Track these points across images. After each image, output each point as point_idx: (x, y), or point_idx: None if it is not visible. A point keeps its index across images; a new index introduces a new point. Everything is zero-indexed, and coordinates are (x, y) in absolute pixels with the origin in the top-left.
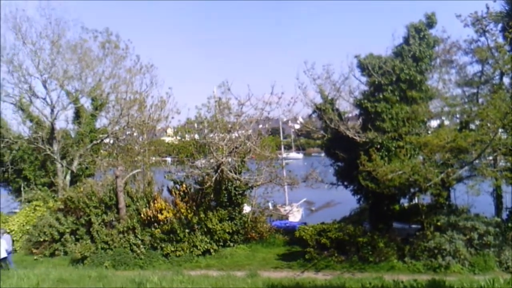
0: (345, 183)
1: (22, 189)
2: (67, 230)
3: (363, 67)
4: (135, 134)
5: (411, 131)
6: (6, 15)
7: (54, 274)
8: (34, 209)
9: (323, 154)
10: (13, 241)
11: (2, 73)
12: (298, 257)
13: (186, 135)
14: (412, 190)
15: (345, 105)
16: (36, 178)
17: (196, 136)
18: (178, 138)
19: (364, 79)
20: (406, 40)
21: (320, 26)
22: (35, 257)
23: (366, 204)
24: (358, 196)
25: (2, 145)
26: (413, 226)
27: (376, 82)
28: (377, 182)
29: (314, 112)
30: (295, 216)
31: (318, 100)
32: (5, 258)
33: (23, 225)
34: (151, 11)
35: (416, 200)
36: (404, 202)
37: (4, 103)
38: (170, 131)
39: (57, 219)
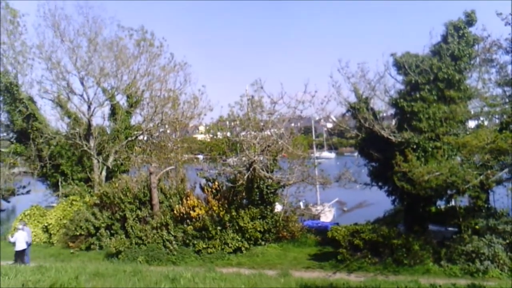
0: (379, 183)
1: (59, 183)
2: (103, 225)
3: (399, 65)
4: (168, 131)
5: (448, 132)
6: (45, 13)
7: (91, 268)
8: (71, 204)
9: (356, 154)
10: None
11: (41, 70)
12: (330, 258)
13: (219, 133)
14: (449, 192)
15: (380, 104)
16: (73, 173)
17: (228, 134)
18: (211, 135)
19: (400, 77)
20: (445, 39)
21: (355, 24)
22: (72, 251)
23: (401, 205)
24: (393, 197)
25: (41, 140)
26: (450, 229)
27: (413, 81)
28: (413, 183)
29: (348, 111)
30: (327, 216)
31: (352, 99)
32: (24, 250)
33: (60, 219)
34: (186, 9)
35: (453, 202)
36: (441, 204)
37: (43, 99)
38: (202, 128)
39: (93, 213)
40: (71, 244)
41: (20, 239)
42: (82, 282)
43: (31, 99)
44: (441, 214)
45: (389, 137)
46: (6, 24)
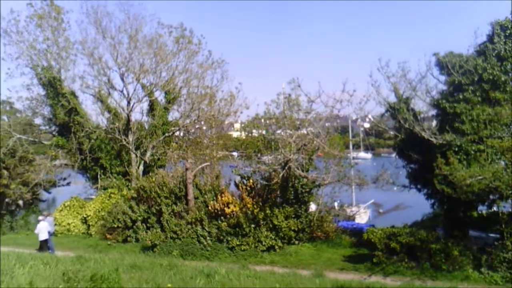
0: (418, 186)
1: (98, 176)
2: (139, 218)
3: (442, 65)
4: (204, 128)
5: (493, 135)
6: (88, 10)
7: (128, 260)
8: (109, 196)
9: (393, 155)
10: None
11: (84, 65)
12: (365, 260)
13: (254, 131)
14: (492, 197)
15: (421, 105)
16: (112, 167)
17: (264, 132)
18: (246, 133)
19: (442, 78)
20: (490, 38)
21: (396, 23)
22: (109, 242)
23: (440, 209)
24: (432, 201)
25: (81, 134)
26: (491, 235)
27: (456, 82)
28: (454, 187)
29: (387, 111)
30: (362, 217)
31: (392, 98)
32: (46, 240)
33: (99, 211)
34: (225, 6)
35: (496, 208)
36: (482, 209)
37: (84, 94)
38: (237, 125)
39: (130, 207)
40: (108, 236)
41: (43, 229)
42: (121, 274)
43: (73, 93)
44: (482, 220)
45: (430, 138)
46: (50, 20)
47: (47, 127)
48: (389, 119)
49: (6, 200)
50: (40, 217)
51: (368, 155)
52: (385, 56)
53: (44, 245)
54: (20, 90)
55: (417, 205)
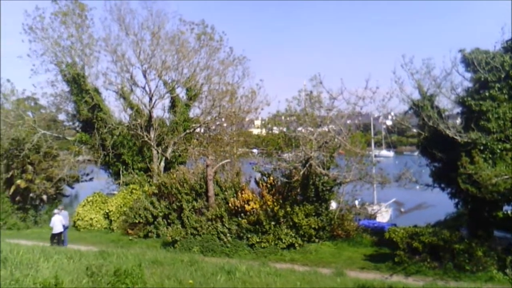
0: (442, 185)
1: (121, 172)
2: (160, 214)
3: (467, 62)
4: (224, 124)
5: None
6: (111, 8)
7: (149, 255)
8: (131, 192)
9: (416, 153)
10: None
11: (107, 62)
12: (386, 259)
13: (275, 128)
14: None
15: (445, 102)
16: (134, 163)
17: (285, 129)
18: (267, 130)
19: (468, 75)
20: None
21: (421, 19)
22: (130, 237)
23: (464, 209)
24: (456, 200)
25: (104, 130)
26: None
27: (482, 79)
28: (479, 186)
29: (410, 108)
30: (383, 216)
31: (416, 96)
32: (61, 233)
33: (121, 207)
34: (246, 3)
35: None
36: (508, 209)
37: (107, 90)
38: (257, 122)
39: (152, 203)
40: (130, 231)
41: (57, 223)
42: (144, 269)
43: (96, 90)
44: (508, 220)
45: (455, 137)
46: (74, 17)
47: (71, 123)
48: (412, 116)
49: (31, 194)
50: (55, 211)
51: (390, 153)
52: (409, 53)
53: (58, 238)
54: (45, 86)
55: (440, 204)
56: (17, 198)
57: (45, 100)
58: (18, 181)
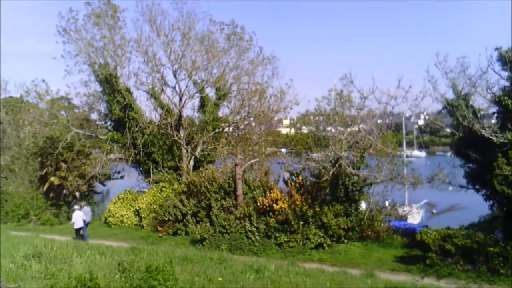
0: (476, 186)
1: (151, 170)
2: (189, 212)
3: (504, 60)
4: (253, 124)
5: None
6: (143, 9)
7: (179, 253)
8: (161, 190)
9: (449, 153)
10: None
11: (138, 62)
12: (417, 261)
13: (304, 127)
14: None
15: (480, 102)
16: (164, 161)
17: (313, 129)
18: (296, 129)
19: (504, 73)
20: None
21: (455, 17)
22: (160, 234)
23: (499, 211)
24: (491, 202)
25: (135, 129)
26: None
27: None
28: None
29: (444, 108)
30: (415, 218)
31: (450, 95)
32: (80, 228)
33: (151, 204)
34: (276, 4)
35: None
36: None
37: (138, 90)
38: (286, 122)
39: (181, 200)
40: (159, 228)
41: (77, 218)
42: (175, 266)
43: (128, 90)
44: None
45: (490, 137)
46: (107, 19)
47: (103, 122)
48: (446, 116)
49: (64, 191)
50: (76, 207)
51: (422, 154)
52: (443, 51)
53: (79, 233)
54: (78, 86)
55: (473, 206)
56: (51, 195)
57: (79, 100)
58: (52, 178)
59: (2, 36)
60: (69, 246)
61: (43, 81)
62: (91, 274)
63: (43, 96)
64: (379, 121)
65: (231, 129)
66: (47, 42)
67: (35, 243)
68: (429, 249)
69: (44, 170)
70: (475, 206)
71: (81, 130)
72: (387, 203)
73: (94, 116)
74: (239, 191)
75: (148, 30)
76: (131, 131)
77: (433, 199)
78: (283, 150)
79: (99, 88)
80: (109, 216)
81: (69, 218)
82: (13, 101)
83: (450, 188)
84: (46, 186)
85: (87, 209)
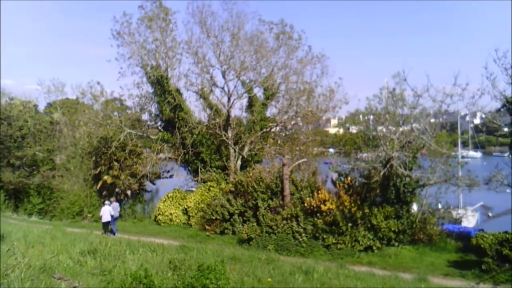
0: None
1: (199, 170)
2: (236, 212)
3: None
4: (300, 123)
5: None
6: (194, 11)
7: (227, 252)
8: (209, 189)
9: (507, 154)
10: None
11: (188, 64)
12: (472, 267)
13: (353, 127)
14: None
15: None
16: (212, 161)
17: (364, 128)
18: (345, 129)
19: None
20: None
21: None
22: (207, 233)
23: None
24: None
25: (185, 129)
26: None
27: None
28: None
29: (503, 106)
30: (469, 221)
31: (509, 92)
32: (108, 222)
33: (199, 203)
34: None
35: None
36: None
37: (188, 91)
38: (334, 121)
39: (228, 200)
40: (207, 227)
41: (105, 213)
42: (226, 265)
43: (178, 91)
44: None
45: None
46: (159, 21)
47: (154, 122)
48: (504, 114)
49: (116, 190)
50: (106, 202)
51: (478, 154)
52: (502, 46)
53: (106, 227)
54: (131, 88)
55: None
56: (104, 193)
57: (131, 101)
58: (105, 177)
59: (63, 41)
60: (122, 242)
61: (98, 83)
62: (146, 271)
63: (98, 98)
64: (432, 120)
65: (278, 128)
66: (103, 45)
67: (90, 240)
68: (485, 254)
69: (98, 169)
70: None
71: (133, 130)
72: (440, 205)
73: (145, 116)
74: (286, 191)
75: (198, 32)
76: (181, 131)
77: (489, 201)
78: (331, 150)
79: (150, 90)
80: (159, 214)
81: (121, 216)
82: (70, 103)
83: (508, 190)
84: (99, 185)
85: (116, 204)
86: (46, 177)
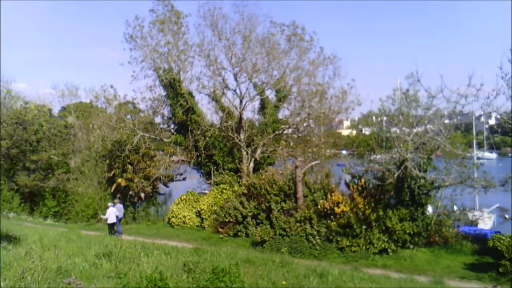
0: None
1: (212, 172)
2: (249, 214)
3: None
4: (312, 125)
5: None
6: (205, 14)
7: (241, 254)
8: (221, 192)
9: None
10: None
11: (200, 67)
12: (489, 269)
13: (366, 128)
14: None
15: None
16: (224, 164)
17: (377, 130)
18: (358, 131)
19: None
20: None
21: None
22: (221, 236)
23: None
24: None
25: (197, 132)
26: None
27: None
28: None
29: None
30: (486, 223)
31: None
32: (113, 224)
33: (212, 206)
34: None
35: None
36: None
37: (200, 94)
38: (347, 123)
39: (241, 202)
40: (220, 230)
41: (111, 214)
42: (240, 268)
43: (190, 94)
44: None
45: None
46: (171, 25)
47: (166, 125)
48: None
49: (130, 192)
50: (110, 204)
51: (493, 155)
52: None
53: (112, 228)
54: (144, 91)
55: None
56: (118, 195)
57: (144, 104)
58: (119, 180)
59: (77, 45)
60: (137, 245)
61: (111, 86)
62: (161, 274)
63: (111, 101)
64: (447, 121)
65: (290, 130)
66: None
67: (105, 242)
68: (502, 257)
69: (112, 172)
70: None
71: (146, 133)
72: (455, 207)
73: (158, 119)
74: (299, 194)
75: (210, 35)
76: (193, 134)
77: (506, 203)
78: (344, 152)
79: (163, 93)
80: (172, 217)
81: (134, 218)
82: (83, 106)
83: None
84: (113, 187)
85: (120, 206)
86: (61, 180)
